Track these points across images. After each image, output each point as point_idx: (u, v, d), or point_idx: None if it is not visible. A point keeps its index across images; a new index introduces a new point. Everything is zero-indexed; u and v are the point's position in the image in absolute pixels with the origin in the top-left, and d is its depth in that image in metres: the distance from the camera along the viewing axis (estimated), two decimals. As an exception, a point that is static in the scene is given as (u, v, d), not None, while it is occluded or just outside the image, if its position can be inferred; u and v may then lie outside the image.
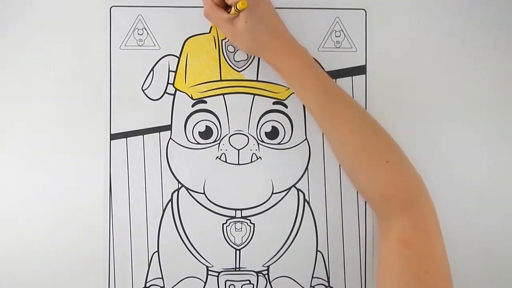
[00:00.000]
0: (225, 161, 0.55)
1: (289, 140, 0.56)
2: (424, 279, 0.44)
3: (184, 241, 0.55)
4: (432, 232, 0.47)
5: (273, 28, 0.51)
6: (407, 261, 0.45)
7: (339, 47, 0.56)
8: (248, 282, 0.55)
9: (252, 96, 0.56)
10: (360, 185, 0.52)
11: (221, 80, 0.56)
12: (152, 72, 0.56)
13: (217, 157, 0.55)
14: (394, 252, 0.46)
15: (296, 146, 0.56)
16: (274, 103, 0.56)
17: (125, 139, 0.56)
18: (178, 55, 0.56)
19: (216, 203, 0.55)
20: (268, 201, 0.56)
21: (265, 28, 0.50)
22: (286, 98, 0.56)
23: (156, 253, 0.55)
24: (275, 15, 0.52)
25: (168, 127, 0.56)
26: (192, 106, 0.56)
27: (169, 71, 0.56)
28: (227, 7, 0.52)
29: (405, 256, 0.45)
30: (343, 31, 0.56)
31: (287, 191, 0.56)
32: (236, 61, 0.56)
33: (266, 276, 0.55)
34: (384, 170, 0.49)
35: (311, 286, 0.55)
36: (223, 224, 0.55)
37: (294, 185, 0.56)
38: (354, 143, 0.50)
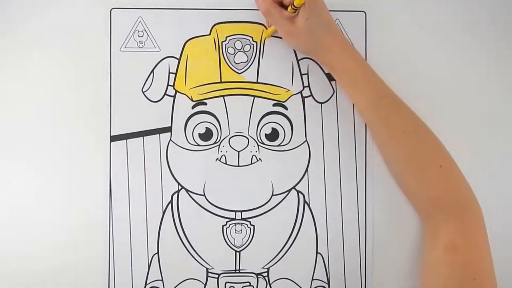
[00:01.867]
0: (225, 163, 0.55)
1: (289, 142, 0.56)
2: (472, 285, 0.44)
3: (184, 243, 0.55)
4: (480, 240, 0.47)
5: (331, 26, 0.51)
6: (455, 267, 0.45)
7: None
8: (248, 284, 0.55)
9: (252, 98, 0.56)
10: (409, 188, 0.52)
11: (221, 82, 0.56)
12: (152, 74, 0.56)
13: (217, 158, 0.55)
14: (442, 257, 0.46)
15: (296, 148, 0.56)
16: (274, 105, 0.56)
17: (125, 141, 0.56)
18: (178, 57, 0.56)
19: (216, 204, 0.55)
20: (268, 203, 0.56)
21: (324, 25, 0.50)
22: (286, 100, 0.56)
23: (156, 254, 0.55)
24: (329, 13, 0.52)
25: (168, 129, 0.56)
26: (192, 107, 0.56)
27: (169, 73, 0.56)
28: (283, 7, 0.51)
29: (453, 262, 0.45)
30: (343, 33, 0.56)
31: (287, 193, 0.56)
32: (236, 63, 0.56)
33: (266, 278, 0.55)
34: (436, 174, 0.48)
35: (311, 288, 0.55)
36: (223, 226, 0.55)
37: (294, 187, 0.56)
38: (407, 145, 0.49)
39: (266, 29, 0.56)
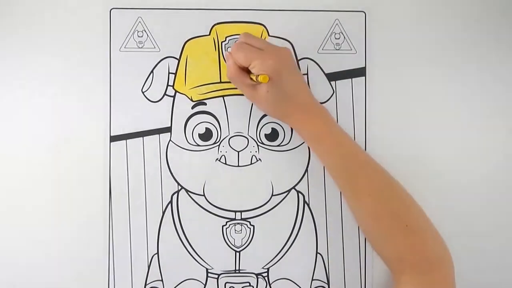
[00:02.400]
0: (225, 163, 0.55)
1: (288, 142, 0.56)
2: None
3: (184, 243, 0.55)
4: None
5: (294, 96, 0.51)
6: None
7: (338, 49, 0.56)
8: (248, 284, 0.55)
9: (252, 98, 0.56)
10: (375, 245, 0.52)
11: (221, 82, 0.56)
12: (152, 74, 0.56)
13: (217, 159, 0.55)
14: None
15: (296, 148, 0.56)
16: (274, 105, 0.56)
17: (125, 141, 0.56)
18: (178, 57, 0.56)
19: (216, 205, 0.55)
20: (268, 203, 0.56)
21: (285, 97, 0.50)
22: (286, 100, 0.56)
23: (156, 255, 0.55)
24: (297, 81, 0.51)
25: (168, 129, 0.56)
26: (192, 108, 0.56)
27: (169, 73, 0.56)
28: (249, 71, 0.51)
29: None
30: (342, 33, 0.56)
31: (287, 193, 0.56)
32: (236, 63, 0.56)
33: (266, 278, 0.55)
34: (402, 234, 0.49)
35: (311, 288, 0.55)
36: (222, 226, 0.55)
37: (294, 187, 0.56)
38: (372, 206, 0.50)
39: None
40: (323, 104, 0.56)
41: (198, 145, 0.56)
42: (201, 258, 0.55)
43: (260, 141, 0.56)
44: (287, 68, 0.50)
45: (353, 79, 0.56)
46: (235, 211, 0.55)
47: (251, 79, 0.50)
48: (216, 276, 0.55)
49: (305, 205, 0.56)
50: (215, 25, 0.56)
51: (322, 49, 0.56)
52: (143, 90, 0.56)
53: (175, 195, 0.56)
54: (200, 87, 0.56)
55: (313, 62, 0.56)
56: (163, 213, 0.55)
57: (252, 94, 0.51)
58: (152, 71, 0.56)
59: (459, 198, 0.56)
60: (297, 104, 0.51)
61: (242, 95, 0.55)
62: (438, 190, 0.56)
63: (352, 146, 0.52)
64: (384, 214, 0.49)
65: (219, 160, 0.55)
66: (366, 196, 0.50)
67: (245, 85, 0.51)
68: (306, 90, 0.52)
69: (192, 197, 0.55)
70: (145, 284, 0.55)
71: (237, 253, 0.55)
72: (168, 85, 0.56)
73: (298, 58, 0.56)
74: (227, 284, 0.55)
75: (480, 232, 0.56)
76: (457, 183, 0.56)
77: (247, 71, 0.50)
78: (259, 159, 0.56)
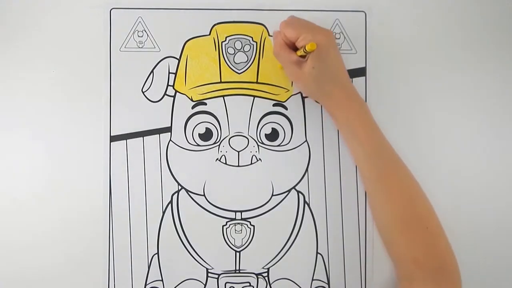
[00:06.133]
0: (225, 163, 0.55)
1: (289, 142, 0.56)
2: None
3: (184, 243, 0.55)
4: None
5: (337, 76, 0.51)
6: None
7: (339, 49, 0.56)
8: (248, 284, 0.55)
9: (252, 98, 0.56)
10: (393, 247, 0.52)
11: (221, 82, 0.56)
12: (152, 74, 0.56)
13: (217, 159, 0.55)
14: None
15: (296, 148, 0.56)
16: (274, 105, 0.56)
17: (125, 141, 0.56)
18: (178, 57, 0.56)
19: (216, 205, 0.55)
20: (268, 203, 0.56)
21: (330, 76, 0.50)
22: (286, 100, 0.56)
23: (156, 255, 0.55)
24: (341, 63, 0.52)
25: (168, 129, 0.56)
26: (192, 108, 0.56)
27: (169, 73, 0.56)
28: (295, 49, 0.51)
29: None
30: (343, 33, 0.56)
31: (287, 193, 0.56)
32: (236, 63, 0.56)
33: (266, 278, 0.55)
34: (422, 236, 0.49)
35: (311, 288, 0.55)
36: (223, 226, 0.55)
37: (294, 187, 0.56)
38: (400, 204, 0.50)
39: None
40: (323, 104, 0.56)
41: (198, 145, 0.56)
42: (201, 258, 0.55)
43: (260, 141, 0.56)
44: (333, 46, 0.50)
45: (353, 79, 0.56)
46: (235, 211, 0.55)
47: (298, 55, 0.50)
48: (216, 276, 0.55)
49: (305, 205, 0.56)
50: (215, 25, 0.56)
51: (322, 49, 0.56)
52: (143, 90, 0.56)
53: (175, 195, 0.55)
54: (200, 87, 0.56)
55: (313, 62, 0.56)
56: (163, 213, 0.55)
57: (296, 71, 0.51)
58: (152, 71, 0.56)
59: (460, 198, 0.56)
60: (340, 85, 0.51)
61: (243, 95, 0.55)
62: (438, 190, 0.55)
63: (385, 141, 0.51)
64: (407, 214, 0.49)
65: (219, 160, 0.55)
66: (395, 192, 0.50)
67: (290, 61, 0.50)
68: (347, 74, 0.52)
69: (192, 197, 0.55)
70: (145, 284, 0.55)
71: (237, 253, 0.55)
72: (168, 85, 0.56)
73: (298, 58, 0.56)
74: (227, 284, 0.55)
75: (485, 234, 0.56)
76: (457, 183, 0.56)
77: (293, 48, 0.51)
78: (259, 159, 0.56)
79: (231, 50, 0.56)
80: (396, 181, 0.50)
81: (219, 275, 0.55)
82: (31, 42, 0.56)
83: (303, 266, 0.55)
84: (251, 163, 0.55)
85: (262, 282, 0.55)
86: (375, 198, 0.52)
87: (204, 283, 0.55)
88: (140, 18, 0.56)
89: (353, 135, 0.51)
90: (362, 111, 0.51)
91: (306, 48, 0.47)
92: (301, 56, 0.50)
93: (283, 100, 0.56)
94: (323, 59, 0.49)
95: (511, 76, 0.57)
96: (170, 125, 0.56)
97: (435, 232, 0.50)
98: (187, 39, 0.56)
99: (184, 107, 0.56)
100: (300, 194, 0.56)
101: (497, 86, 0.57)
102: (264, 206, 0.55)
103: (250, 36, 0.56)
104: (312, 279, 0.55)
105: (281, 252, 0.55)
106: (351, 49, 0.56)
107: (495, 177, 0.56)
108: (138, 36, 0.56)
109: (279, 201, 0.56)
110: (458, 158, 0.56)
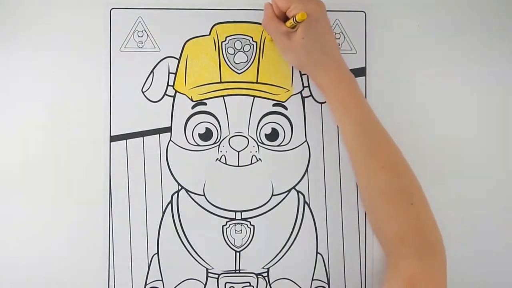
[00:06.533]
0: (225, 163, 0.55)
1: (289, 142, 0.56)
2: None
3: (184, 243, 0.55)
4: (440, 279, 0.48)
5: (328, 47, 0.51)
6: None
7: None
8: (248, 284, 0.55)
9: (252, 98, 0.56)
10: (377, 222, 0.52)
11: (221, 82, 0.56)
12: (152, 74, 0.56)
13: (217, 159, 0.55)
14: None
15: (296, 148, 0.56)
16: (274, 105, 0.56)
17: (125, 141, 0.56)
18: (178, 57, 0.56)
19: (216, 205, 0.55)
20: (268, 203, 0.56)
21: (320, 46, 0.50)
22: (286, 100, 0.56)
23: (156, 255, 0.55)
24: (332, 34, 0.52)
25: (168, 129, 0.56)
26: (192, 108, 0.56)
27: (169, 73, 0.56)
28: (286, 21, 0.51)
29: None
30: (343, 33, 0.56)
31: (287, 193, 0.56)
32: (236, 63, 0.56)
33: (266, 278, 0.55)
34: (406, 211, 0.49)
35: (311, 288, 0.55)
36: (223, 226, 0.55)
37: (294, 187, 0.56)
38: (383, 179, 0.50)
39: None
40: (323, 104, 0.56)
41: (198, 145, 0.56)
42: (201, 258, 0.55)
43: (260, 141, 0.56)
44: (324, 16, 0.50)
45: (353, 79, 0.56)
46: (235, 211, 0.55)
47: (288, 26, 0.50)
48: (216, 276, 0.55)
49: (305, 205, 0.56)
50: (215, 25, 0.56)
51: (322, 49, 0.56)
52: (143, 90, 0.56)
53: (175, 195, 0.55)
54: (200, 87, 0.56)
55: (313, 62, 0.56)
56: (163, 213, 0.55)
57: (286, 42, 0.51)
58: (152, 71, 0.56)
59: (460, 198, 0.56)
60: (330, 57, 0.51)
61: (243, 95, 0.55)
62: (438, 190, 0.55)
63: (371, 113, 0.51)
64: (393, 189, 0.49)
65: (219, 160, 0.55)
66: (379, 167, 0.50)
67: (280, 32, 0.51)
68: (337, 46, 0.52)
69: (192, 197, 0.55)
70: (145, 284, 0.55)
71: (237, 253, 0.55)
72: (168, 85, 0.56)
73: (298, 58, 0.56)
74: (227, 284, 0.55)
75: (482, 231, 0.56)
76: (459, 183, 0.56)
77: (283, 20, 0.51)
78: (259, 159, 0.56)
79: (231, 50, 0.56)
80: (380, 156, 0.50)
81: (219, 275, 0.55)
82: (31, 42, 0.56)
83: (303, 266, 0.55)
84: (251, 163, 0.55)
85: (262, 282, 0.55)
86: (358, 171, 0.52)
87: (204, 283, 0.55)
88: (140, 18, 0.56)
89: (343, 107, 0.51)
90: (353, 84, 0.51)
91: (296, 18, 0.47)
92: (292, 28, 0.50)
93: (283, 100, 0.56)
94: (313, 29, 0.49)
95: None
96: (170, 125, 0.56)
97: (421, 209, 0.49)
98: (187, 39, 0.56)
99: (184, 107, 0.56)
100: (300, 194, 0.56)
101: (498, 86, 0.57)
102: (264, 206, 0.55)
103: (250, 36, 0.56)
104: (312, 279, 0.55)
105: (281, 252, 0.55)
106: (351, 49, 0.56)
107: (496, 177, 0.56)
108: (138, 36, 0.56)
109: (279, 201, 0.56)
110: (458, 157, 0.56)
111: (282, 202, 0.56)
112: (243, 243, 0.55)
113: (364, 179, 0.52)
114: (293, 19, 0.48)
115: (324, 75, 0.51)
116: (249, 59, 0.56)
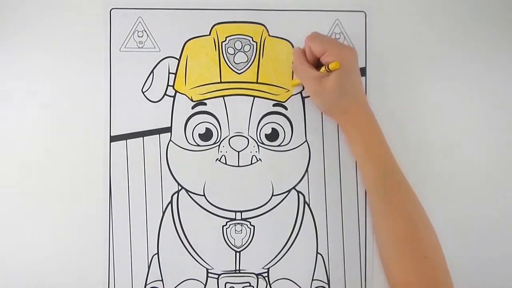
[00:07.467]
0: (225, 163, 0.55)
1: (289, 142, 0.56)
2: None
3: (184, 243, 0.55)
4: None
5: (356, 93, 0.51)
6: None
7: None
8: (248, 284, 0.55)
9: (252, 98, 0.56)
10: (389, 266, 0.51)
11: (221, 82, 0.56)
12: (152, 74, 0.56)
13: (217, 159, 0.55)
14: None
15: (296, 148, 0.56)
16: (274, 105, 0.56)
17: (125, 141, 0.56)
18: (178, 57, 0.56)
19: (216, 205, 0.55)
20: (268, 203, 0.56)
21: (348, 92, 0.50)
22: (286, 100, 0.56)
23: (156, 255, 0.55)
24: (360, 80, 0.52)
25: (168, 129, 0.56)
26: (192, 108, 0.56)
27: (169, 73, 0.56)
28: (316, 65, 0.52)
29: None
30: (343, 33, 0.56)
31: (287, 193, 0.56)
32: (236, 63, 0.56)
33: (266, 278, 0.55)
34: (419, 264, 0.48)
35: (311, 288, 0.55)
36: (223, 226, 0.55)
37: (294, 187, 0.56)
38: (400, 230, 0.49)
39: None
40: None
41: (198, 145, 0.56)
42: (201, 258, 0.55)
43: (260, 141, 0.56)
44: (356, 64, 0.51)
45: (353, 79, 0.56)
46: (235, 211, 0.55)
47: (320, 71, 0.50)
48: (216, 276, 0.55)
49: (305, 205, 0.56)
50: (215, 25, 0.56)
51: (322, 49, 0.56)
52: (143, 90, 0.56)
53: (175, 195, 0.55)
54: (200, 87, 0.56)
55: (313, 62, 0.56)
56: (163, 213, 0.55)
57: (315, 88, 0.51)
58: (152, 71, 0.56)
59: (460, 199, 0.56)
60: (358, 103, 0.51)
61: (243, 95, 0.55)
62: (438, 190, 0.56)
63: (394, 161, 0.51)
64: (409, 240, 0.49)
65: (219, 160, 0.55)
66: (397, 216, 0.49)
67: (310, 77, 0.51)
68: (364, 92, 0.53)
69: (192, 197, 0.55)
70: (145, 284, 0.55)
71: (237, 253, 0.55)
72: (168, 85, 0.56)
73: (298, 58, 0.56)
74: (227, 284, 0.55)
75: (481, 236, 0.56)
76: (459, 183, 0.56)
77: (313, 64, 0.52)
78: (259, 159, 0.56)
79: (231, 50, 0.56)
80: (403, 205, 0.50)
81: (219, 275, 0.55)
82: (31, 42, 0.56)
83: (303, 266, 0.55)
84: (251, 163, 0.55)
85: (262, 282, 0.55)
86: (379, 219, 0.52)
87: (204, 283, 0.55)
88: (140, 18, 0.56)
89: (366, 154, 0.51)
90: (378, 132, 0.51)
91: (330, 66, 0.48)
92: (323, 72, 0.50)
93: (283, 100, 0.56)
94: (345, 76, 0.49)
95: None
96: (170, 125, 0.56)
97: (434, 263, 0.48)
98: (187, 39, 0.56)
99: (184, 107, 0.56)
100: (300, 194, 0.56)
101: (498, 86, 0.57)
102: (264, 206, 0.56)
103: (250, 36, 0.56)
104: (312, 279, 0.55)
105: (281, 252, 0.55)
106: (351, 49, 0.56)
107: (496, 177, 0.56)
108: (138, 36, 0.56)
109: (279, 201, 0.56)
110: (459, 157, 0.56)
111: (282, 202, 0.56)
112: (243, 243, 0.55)
113: (382, 226, 0.51)
114: (326, 67, 0.49)
115: (351, 122, 0.51)
116: (249, 59, 0.56)
